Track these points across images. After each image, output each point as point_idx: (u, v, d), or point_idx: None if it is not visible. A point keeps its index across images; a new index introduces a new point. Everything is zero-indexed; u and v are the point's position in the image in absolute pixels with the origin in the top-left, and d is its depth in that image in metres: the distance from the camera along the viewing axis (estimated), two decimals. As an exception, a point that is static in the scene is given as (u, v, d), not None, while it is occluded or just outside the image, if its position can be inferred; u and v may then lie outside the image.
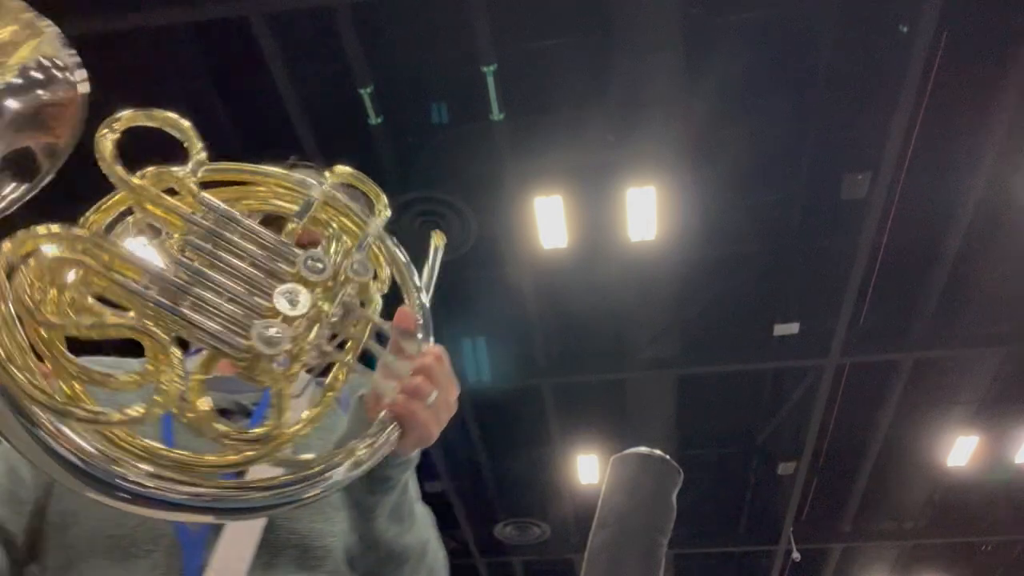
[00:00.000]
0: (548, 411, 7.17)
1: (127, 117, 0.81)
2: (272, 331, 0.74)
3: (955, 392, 7.11)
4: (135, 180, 0.79)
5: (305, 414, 0.78)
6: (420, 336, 0.89)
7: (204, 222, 0.79)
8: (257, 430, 0.74)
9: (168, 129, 0.83)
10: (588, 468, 7.76)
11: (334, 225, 0.90)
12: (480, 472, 7.89)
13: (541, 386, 6.90)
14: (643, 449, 2.25)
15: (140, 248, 0.77)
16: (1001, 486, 8.08)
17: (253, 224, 0.81)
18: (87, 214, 0.79)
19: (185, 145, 0.84)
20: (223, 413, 0.77)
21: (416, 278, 0.94)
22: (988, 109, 4.94)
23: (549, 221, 5.55)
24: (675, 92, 4.85)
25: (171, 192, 0.81)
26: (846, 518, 8.58)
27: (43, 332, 0.69)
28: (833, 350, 6.23)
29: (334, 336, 0.81)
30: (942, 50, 4.60)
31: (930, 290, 6.03)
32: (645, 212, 5.41)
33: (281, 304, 0.76)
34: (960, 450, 7.57)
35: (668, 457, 2.22)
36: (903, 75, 4.45)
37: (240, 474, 0.79)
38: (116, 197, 0.80)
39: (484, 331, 6.45)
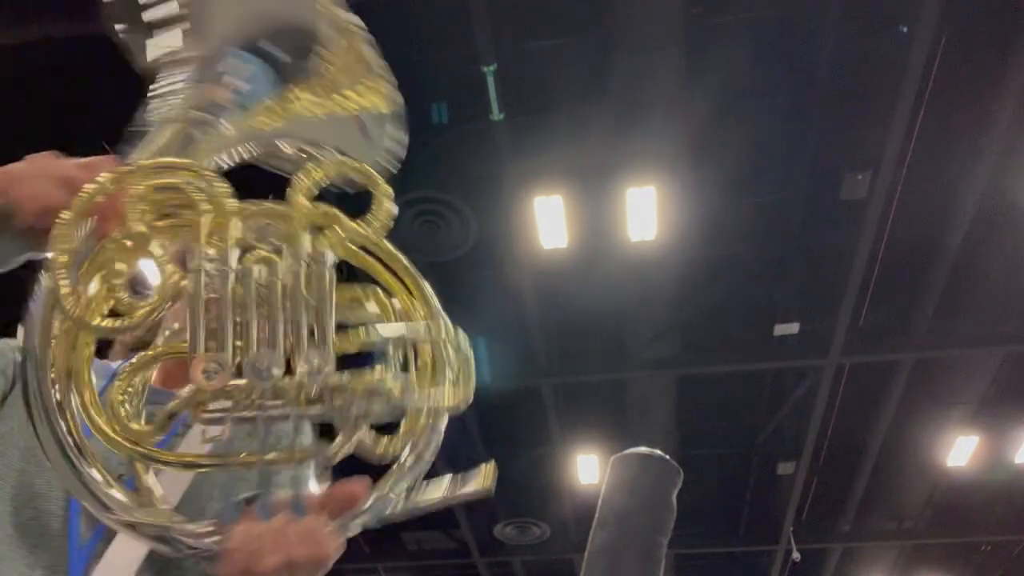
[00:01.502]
0: (548, 411, 7.17)
1: (331, 164, 0.83)
2: (214, 368, 0.72)
3: (955, 392, 7.11)
4: (302, 201, 0.80)
5: (182, 457, 0.77)
6: (341, 521, 0.77)
7: (298, 268, 0.77)
8: (133, 425, 0.74)
9: (366, 184, 0.84)
10: (588, 468, 7.76)
11: (402, 365, 0.80)
12: (480, 472, 7.88)
13: (541, 386, 6.90)
14: (643, 449, 2.26)
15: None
16: (1001, 486, 8.08)
17: (331, 307, 0.77)
18: (247, 201, 0.81)
19: (372, 194, 0.83)
20: None
21: (416, 487, 0.81)
22: (988, 109, 4.94)
23: (549, 221, 5.55)
24: (675, 92, 4.85)
25: (319, 230, 0.81)
26: (846, 518, 8.58)
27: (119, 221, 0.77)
28: (833, 350, 6.23)
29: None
30: (942, 50, 4.60)
31: (930, 290, 6.02)
32: (645, 212, 5.41)
33: (247, 367, 0.73)
34: (960, 450, 7.56)
35: (668, 457, 2.22)
36: (903, 75, 4.45)
37: (137, 490, 0.79)
38: (279, 207, 0.81)
39: (484, 331, 6.45)
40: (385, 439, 0.79)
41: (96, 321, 0.74)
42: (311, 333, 0.75)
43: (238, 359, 0.73)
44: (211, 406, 0.73)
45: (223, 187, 0.79)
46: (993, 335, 6.30)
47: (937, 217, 5.63)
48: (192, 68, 0.94)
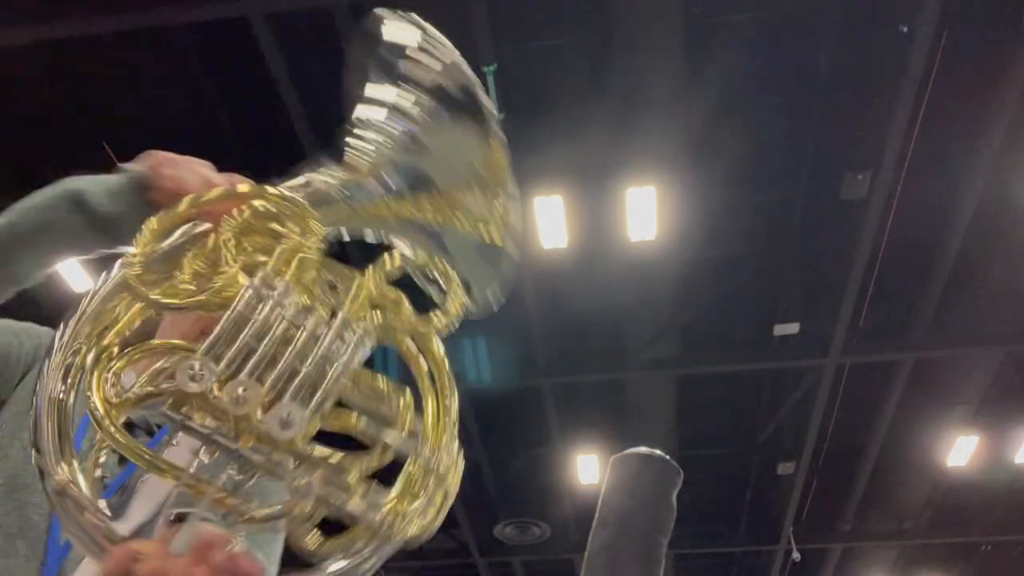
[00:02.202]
0: (548, 411, 7.17)
1: (421, 256, 0.85)
2: (199, 373, 0.69)
3: (955, 392, 7.11)
4: (375, 276, 0.83)
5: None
6: None
7: (328, 326, 0.76)
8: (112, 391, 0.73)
9: (444, 286, 0.85)
10: (588, 468, 7.77)
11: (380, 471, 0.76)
12: (480, 472, 7.89)
13: (541, 386, 6.90)
14: (643, 449, 2.26)
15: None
16: (1001, 486, 8.08)
17: (338, 377, 0.74)
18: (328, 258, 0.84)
19: (442, 301, 0.84)
20: (130, 426, 0.76)
21: None
22: (988, 109, 4.94)
23: (549, 221, 5.55)
24: (675, 92, 4.85)
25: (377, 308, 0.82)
26: (846, 518, 8.58)
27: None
28: (833, 350, 6.23)
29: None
30: (942, 50, 4.60)
31: (930, 290, 6.03)
32: (645, 212, 5.41)
33: (227, 388, 0.69)
34: (960, 450, 7.57)
35: (668, 457, 2.22)
36: (903, 75, 4.45)
37: (123, 489, 0.78)
38: (350, 273, 0.83)
39: (484, 331, 6.45)
40: (318, 536, 0.71)
41: (154, 295, 0.75)
42: (306, 392, 0.72)
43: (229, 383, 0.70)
44: (180, 408, 0.71)
45: (316, 236, 0.82)
46: (993, 335, 6.30)
47: (937, 217, 5.64)
48: (380, 147, 0.99)
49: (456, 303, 0.84)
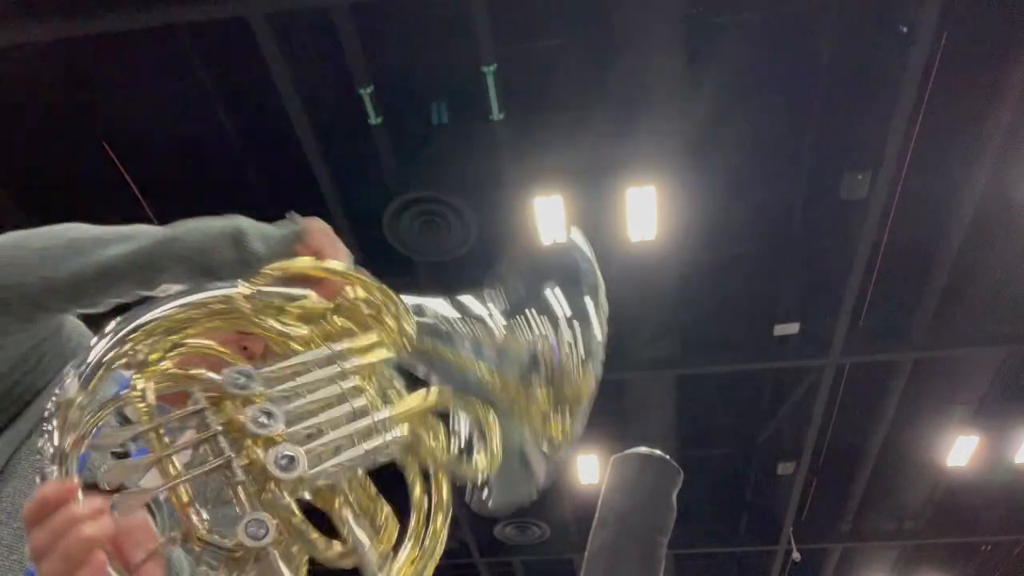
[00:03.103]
0: (548, 411, 7.16)
1: (444, 401, 0.90)
2: (244, 378, 0.73)
3: (955, 392, 7.11)
4: (425, 400, 0.88)
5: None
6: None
7: (362, 416, 0.80)
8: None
9: (485, 435, 0.91)
10: (588, 468, 7.76)
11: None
12: (480, 472, 7.89)
13: (541, 386, 6.89)
14: (643, 449, 2.26)
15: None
16: (1001, 486, 8.08)
17: (349, 461, 0.78)
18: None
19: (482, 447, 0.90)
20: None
21: None
22: (988, 109, 4.94)
23: (549, 221, 5.55)
24: (675, 92, 4.85)
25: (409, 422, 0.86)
26: (846, 518, 8.58)
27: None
28: (833, 350, 6.23)
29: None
30: (942, 50, 4.60)
31: (930, 290, 6.02)
32: (645, 212, 5.40)
33: (251, 408, 0.72)
34: (960, 450, 7.56)
35: (668, 457, 2.22)
36: (903, 75, 4.45)
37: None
38: (405, 390, 0.88)
39: (484, 331, 6.44)
40: None
41: (250, 312, 0.81)
42: (318, 453, 0.74)
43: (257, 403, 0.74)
44: (207, 405, 0.73)
45: (401, 343, 0.90)
46: (993, 335, 6.29)
47: (937, 217, 5.63)
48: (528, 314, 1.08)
49: (488, 462, 0.90)
